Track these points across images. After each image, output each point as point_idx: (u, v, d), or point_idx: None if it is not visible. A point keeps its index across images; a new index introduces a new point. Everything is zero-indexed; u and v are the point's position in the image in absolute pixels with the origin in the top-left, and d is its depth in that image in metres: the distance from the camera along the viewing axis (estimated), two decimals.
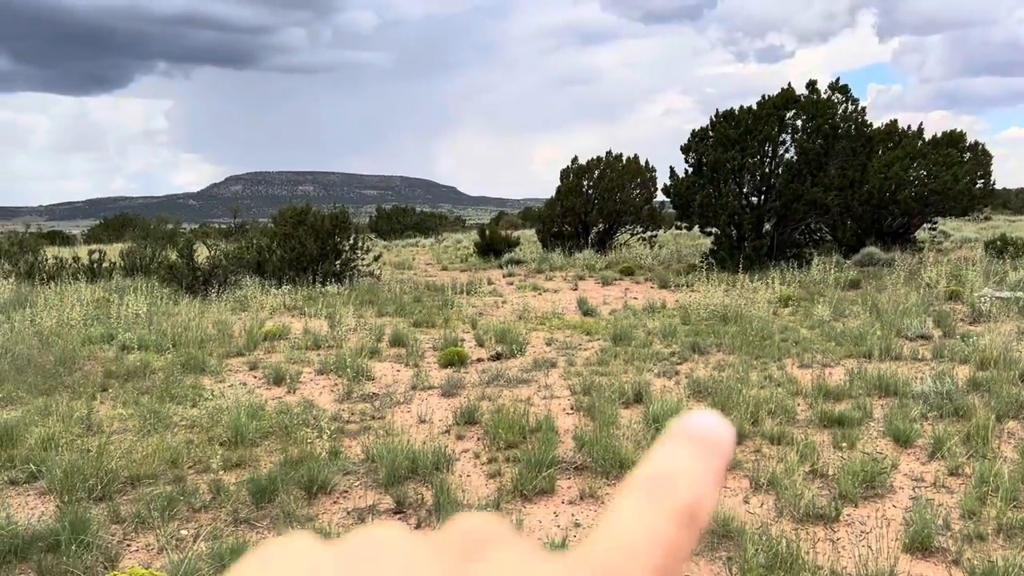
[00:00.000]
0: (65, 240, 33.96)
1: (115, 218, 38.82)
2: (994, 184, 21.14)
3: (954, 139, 21.12)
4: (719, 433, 0.24)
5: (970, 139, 21.43)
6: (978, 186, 20.18)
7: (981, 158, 20.99)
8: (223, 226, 40.52)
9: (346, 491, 4.66)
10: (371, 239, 23.99)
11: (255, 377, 7.48)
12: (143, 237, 22.65)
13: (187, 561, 3.65)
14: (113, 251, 18.03)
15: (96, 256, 15.44)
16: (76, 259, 15.29)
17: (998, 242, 16.34)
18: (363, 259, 15.31)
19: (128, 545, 3.99)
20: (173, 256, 14.66)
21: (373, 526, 0.22)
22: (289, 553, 0.21)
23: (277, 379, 7.23)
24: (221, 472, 4.88)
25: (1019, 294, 10.49)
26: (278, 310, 11.55)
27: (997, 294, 10.53)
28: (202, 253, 14.03)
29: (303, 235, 14.34)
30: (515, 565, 0.20)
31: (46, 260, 15.23)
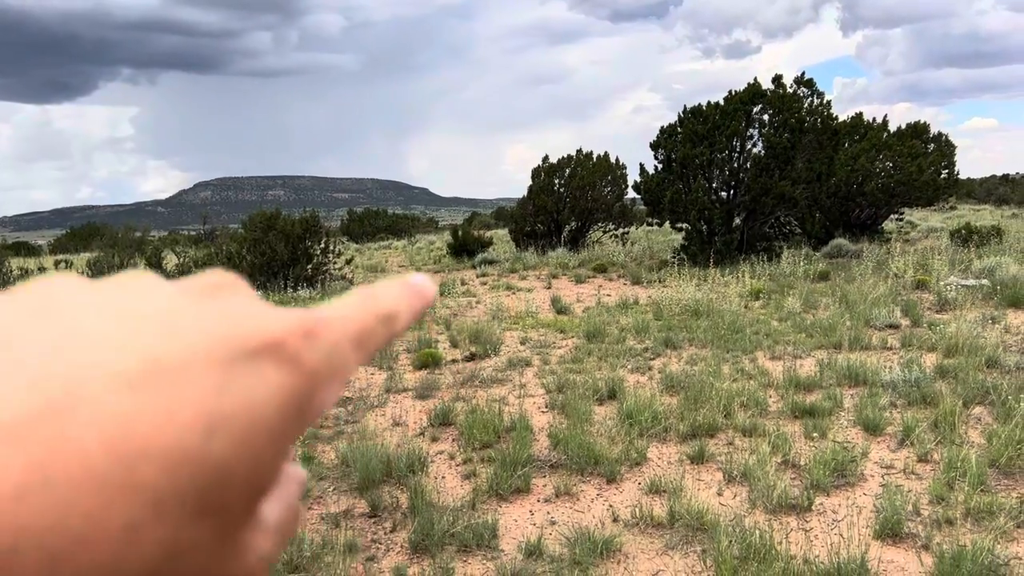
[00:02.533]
0: (31, 251, 33.43)
1: (82, 227, 38.27)
2: (958, 174, 21.48)
3: (918, 130, 21.44)
4: (424, 285, 0.31)
5: (933, 130, 21.78)
6: (942, 176, 20.50)
7: (945, 149, 21.32)
8: (193, 233, 40.09)
9: (320, 497, 4.63)
10: (343, 243, 23.85)
11: None
12: (111, 246, 22.35)
13: None
14: (80, 261, 17.78)
15: (62, 266, 15.21)
16: (42, 269, 15.06)
17: (963, 231, 16.62)
18: (335, 263, 15.22)
19: None
20: (141, 264, 14.47)
21: (131, 272, 0.26)
22: (53, 284, 0.24)
23: None
24: None
25: (984, 281, 10.66)
26: None
27: (963, 282, 10.69)
28: (171, 261, 13.88)
29: (273, 240, 14.22)
30: (242, 304, 0.25)
31: (11, 271, 14.98)
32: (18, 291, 0.23)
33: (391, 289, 0.30)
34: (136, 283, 0.24)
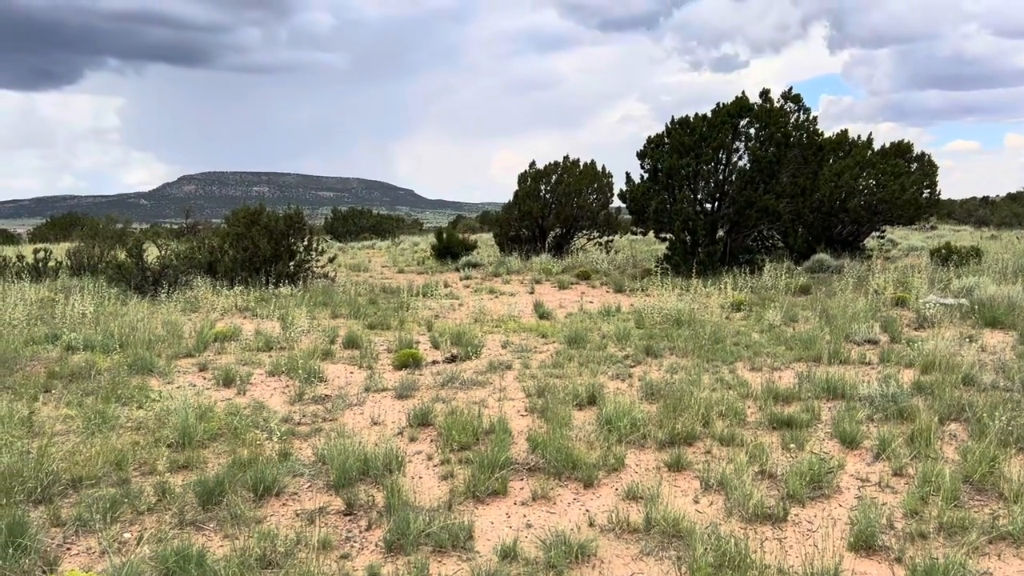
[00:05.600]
0: (9, 239, 33.06)
1: (63, 217, 37.87)
2: (939, 194, 21.70)
3: (902, 150, 21.66)
4: None
5: (917, 150, 22.00)
6: (924, 196, 20.70)
7: (927, 169, 21.55)
8: (175, 226, 39.81)
9: (295, 493, 4.59)
10: (326, 241, 23.75)
11: (204, 378, 7.34)
12: (91, 236, 22.12)
13: (129, 564, 3.56)
14: (60, 250, 17.59)
15: (41, 255, 15.03)
16: (20, 258, 14.87)
17: (943, 250, 16.78)
18: (317, 260, 15.15)
19: (68, 549, 3.89)
20: (122, 256, 14.33)
21: None
22: None
23: (227, 380, 7.11)
24: (167, 474, 4.78)
25: (962, 300, 10.77)
26: (229, 311, 11.37)
27: (941, 300, 10.80)
28: (152, 253, 13.76)
29: (256, 235, 14.13)
30: None
31: None
32: None
33: None
34: None
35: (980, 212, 43.32)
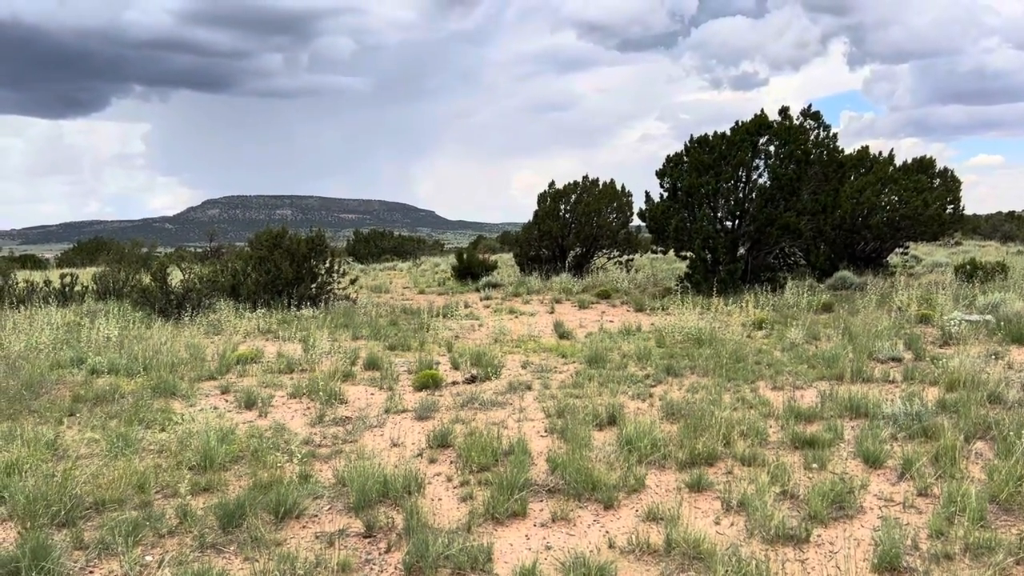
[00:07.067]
0: (37, 264, 33.56)
1: (89, 242, 38.42)
2: (963, 210, 21.46)
3: (924, 165, 21.48)
4: None
5: (939, 165, 21.80)
6: (948, 211, 20.49)
7: (950, 184, 21.33)
8: (199, 250, 40.23)
9: (315, 515, 4.61)
10: (348, 263, 23.93)
11: (226, 401, 7.40)
12: (117, 260, 22.40)
13: None
14: (86, 275, 17.83)
15: (68, 279, 15.24)
16: (47, 283, 15.10)
17: (968, 266, 16.58)
18: (339, 282, 15.25)
19: (90, 572, 3.92)
20: (146, 280, 14.51)
21: None
22: None
23: (249, 403, 7.16)
24: (189, 497, 4.81)
25: (988, 317, 10.63)
26: (252, 334, 11.46)
27: (966, 317, 10.66)
28: (176, 276, 13.91)
29: (279, 258, 14.26)
30: None
31: (16, 283, 15.01)
32: None
33: None
34: None
35: (1006, 227, 42.77)
